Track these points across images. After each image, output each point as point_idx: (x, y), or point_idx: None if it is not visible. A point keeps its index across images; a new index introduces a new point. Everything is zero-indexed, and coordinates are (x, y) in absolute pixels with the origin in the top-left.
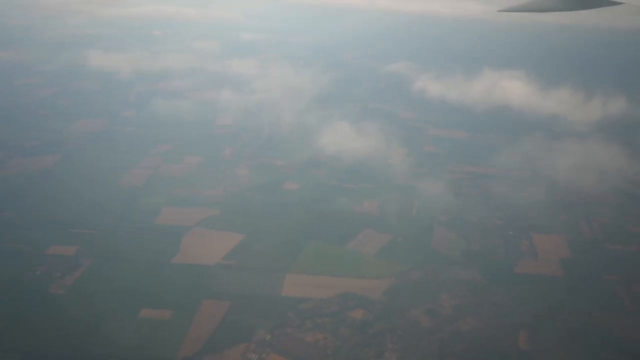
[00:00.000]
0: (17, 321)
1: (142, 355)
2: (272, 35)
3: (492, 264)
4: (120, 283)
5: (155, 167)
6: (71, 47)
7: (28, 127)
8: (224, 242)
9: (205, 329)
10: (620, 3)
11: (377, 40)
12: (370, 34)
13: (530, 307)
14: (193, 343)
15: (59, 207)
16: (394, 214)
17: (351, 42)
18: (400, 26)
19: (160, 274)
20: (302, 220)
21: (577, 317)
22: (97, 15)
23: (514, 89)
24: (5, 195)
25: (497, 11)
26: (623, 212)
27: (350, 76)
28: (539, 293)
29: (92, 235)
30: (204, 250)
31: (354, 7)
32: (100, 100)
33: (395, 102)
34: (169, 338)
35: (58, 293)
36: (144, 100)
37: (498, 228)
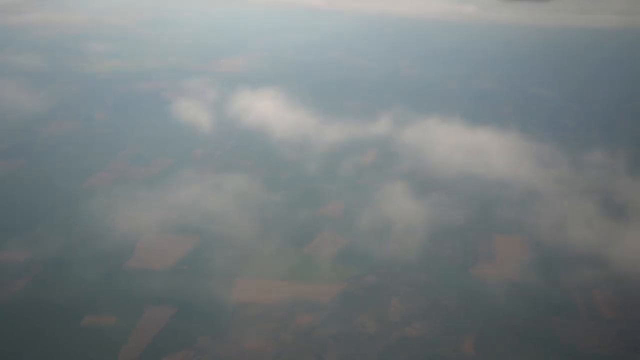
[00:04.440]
0: None
1: None
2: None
3: (449, 267)
4: (68, 289)
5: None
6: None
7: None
8: (179, 246)
9: (145, 336)
10: None
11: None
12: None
13: (481, 310)
14: (131, 351)
15: (15, 212)
16: None
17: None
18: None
19: (110, 279)
20: (262, 222)
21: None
22: None
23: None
24: None
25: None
26: None
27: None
28: (492, 296)
29: (45, 241)
30: (158, 254)
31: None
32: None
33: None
34: (107, 346)
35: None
36: None
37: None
